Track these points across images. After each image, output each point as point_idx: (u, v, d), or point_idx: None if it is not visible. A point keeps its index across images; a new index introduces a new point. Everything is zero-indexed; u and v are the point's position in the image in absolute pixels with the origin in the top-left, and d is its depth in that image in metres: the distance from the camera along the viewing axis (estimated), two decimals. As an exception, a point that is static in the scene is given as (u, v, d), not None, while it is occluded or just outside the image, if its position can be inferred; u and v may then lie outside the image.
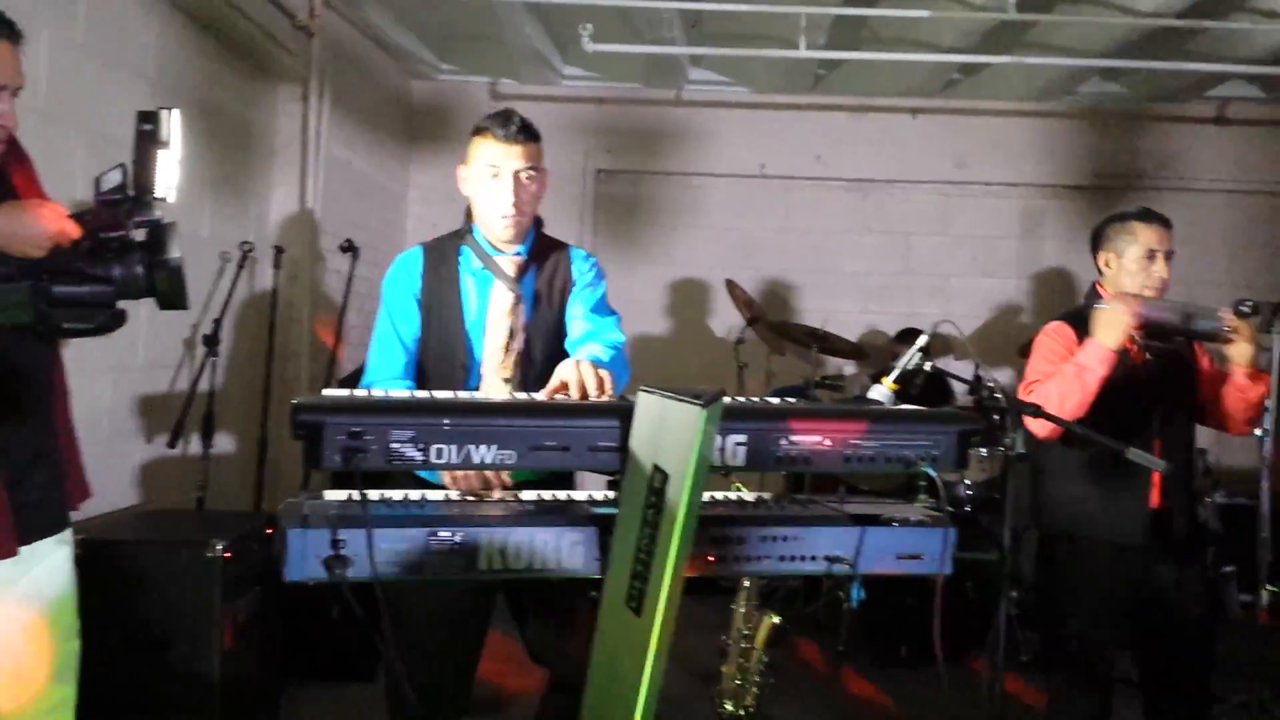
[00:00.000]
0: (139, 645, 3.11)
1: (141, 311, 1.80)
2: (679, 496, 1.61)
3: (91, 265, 1.91)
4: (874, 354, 5.95)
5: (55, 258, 1.91)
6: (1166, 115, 6.45)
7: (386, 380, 2.60)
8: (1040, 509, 3.25)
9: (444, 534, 1.80)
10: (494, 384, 2.57)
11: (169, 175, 1.93)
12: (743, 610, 3.26)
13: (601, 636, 1.88)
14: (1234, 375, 3.01)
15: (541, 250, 2.72)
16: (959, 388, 4.91)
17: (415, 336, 2.64)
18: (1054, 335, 3.15)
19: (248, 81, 4.79)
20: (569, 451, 1.82)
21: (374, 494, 1.97)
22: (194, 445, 4.21)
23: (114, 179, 1.93)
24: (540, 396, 2.12)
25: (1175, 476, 2.98)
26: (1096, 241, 3.20)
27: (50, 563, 2.25)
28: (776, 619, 3.25)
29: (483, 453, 1.75)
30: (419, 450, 1.71)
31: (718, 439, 1.79)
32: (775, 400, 2.16)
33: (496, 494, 2.27)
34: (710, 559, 1.90)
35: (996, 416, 2.55)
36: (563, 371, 2.16)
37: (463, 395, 2.33)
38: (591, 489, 2.25)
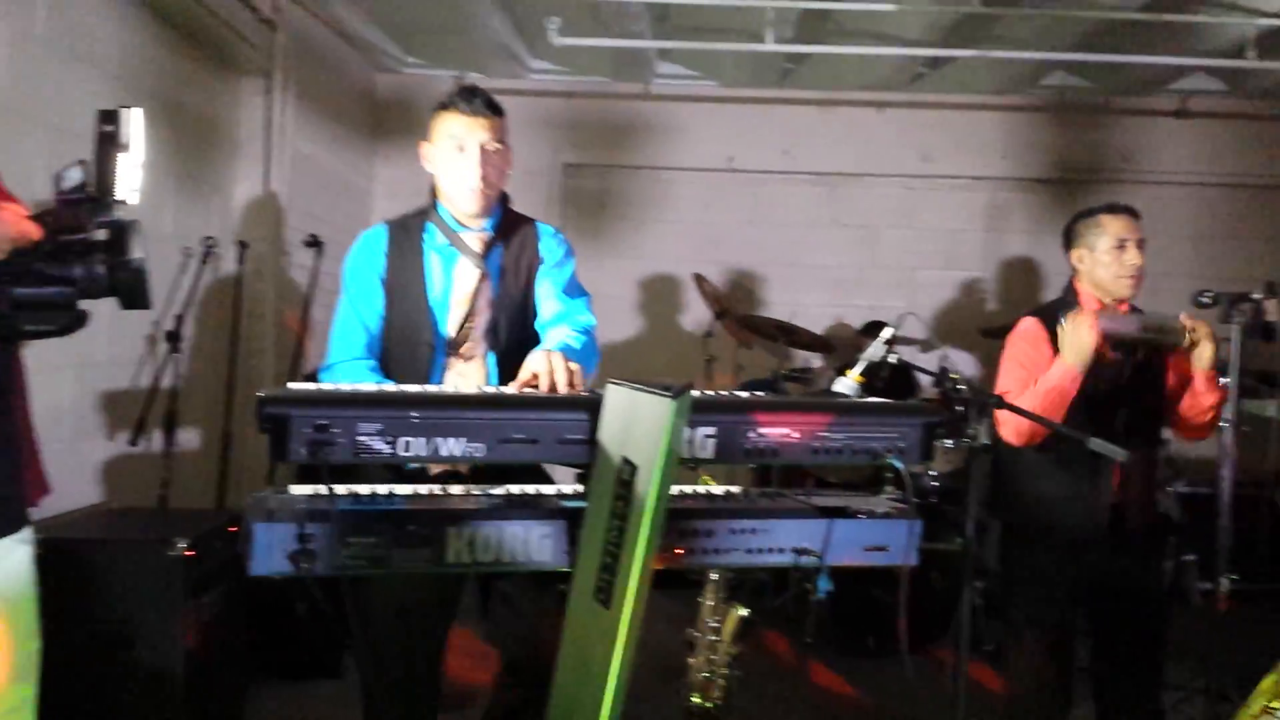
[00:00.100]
0: (101, 645, 3.07)
1: (103, 308, 1.77)
2: (648, 489, 1.62)
3: (53, 266, 1.89)
4: (841, 347, 5.97)
5: (15, 259, 1.88)
6: (1129, 109, 6.52)
7: (347, 362, 2.57)
8: (1001, 500, 3.28)
9: (411, 527, 1.79)
10: (458, 363, 2.56)
11: (130, 178, 1.90)
12: (710, 603, 3.26)
13: (570, 629, 1.88)
14: (1195, 380, 3.05)
15: (508, 226, 2.69)
16: (925, 380, 4.95)
17: (378, 317, 2.61)
18: (1026, 338, 3.18)
19: (210, 75, 4.74)
20: (538, 444, 1.82)
21: (340, 488, 1.95)
22: (156, 442, 4.16)
23: (74, 177, 1.90)
24: (510, 388, 2.11)
25: (1136, 469, 3.03)
26: (1068, 239, 3.23)
27: (10, 562, 2.21)
28: (744, 612, 3.26)
29: (451, 445, 1.75)
30: (386, 443, 1.71)
31: (686, 431, 1.80)
32: (744, 393, 2.16)
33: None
34: (678, 551, 1.91)
35: (961, 408, 2.57)
36: (533, 363, 2.16)
37: (431, 388, 2.32)
38: (562, 482, 2.24)
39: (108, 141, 1.89)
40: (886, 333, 2.60)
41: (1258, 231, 6.51)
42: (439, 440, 1.73)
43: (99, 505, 3.85)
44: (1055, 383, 2.94)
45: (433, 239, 2.64)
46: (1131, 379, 3.07)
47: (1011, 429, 3.03)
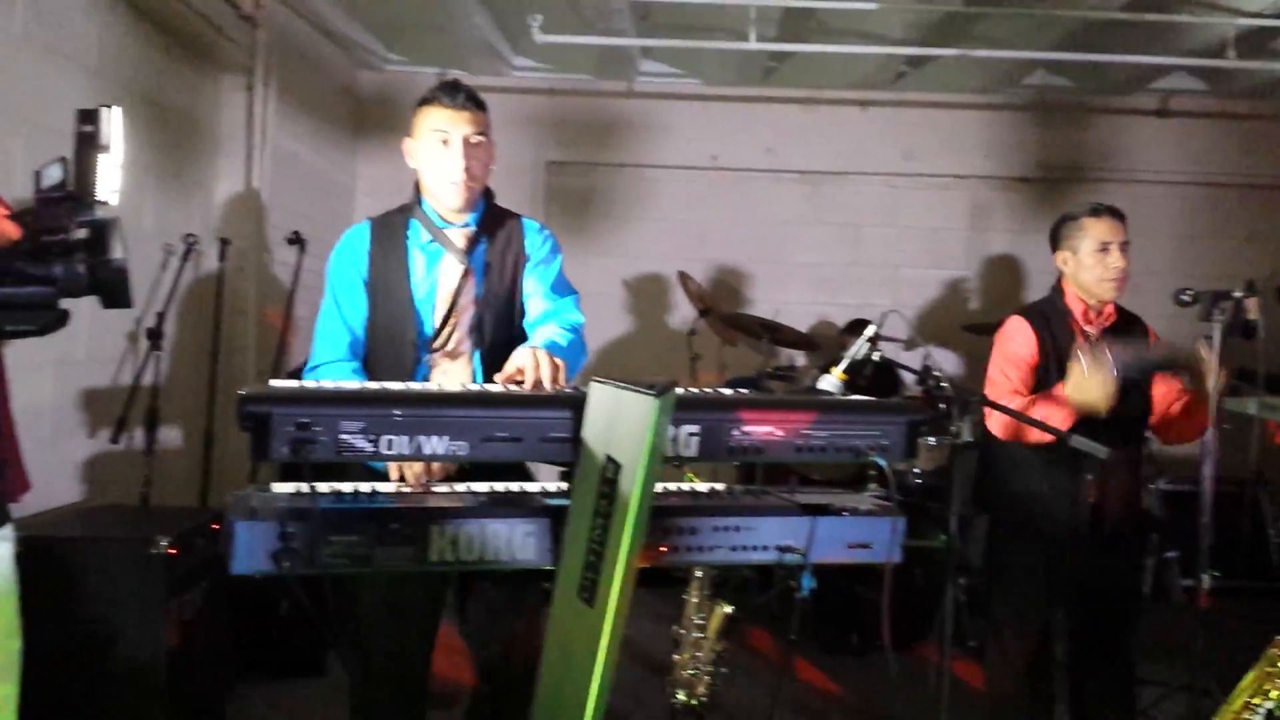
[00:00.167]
0: (82, 643, 3.06)
1: (83, 305, 1.76)
2: (632, 487, 1.61)
3: (33, 266, 1.87)
4: (825, 344, 5.99)
5: None
6: (1111, 108, 6.55)
7: (331, 362, 2.56)
8: (988, 495, 3.30)
9: (394, 526, 1.78)
10: (443, 361, 2.55)
11: (110, 179, 1.89)
12: (695, 600, 3.27)
13: (554, 627, 1.87)
14: (1195, 403, 3.04)
15: (492, 221, 2.67)
16: (908, 377, 4.97)
17: (361, 317, 2.59)
18: (1017, 336, 3.19)
19: (191, 71, 4.71)
20: (521, 442, 1.81)
21: (323, 486, 1.95)
22: (138, 440, 4.14)
23: (54, 175, 1.89)
24: (496, 381, 2.11)
25: (1120, 467, 3.04)
26: (1053, 241, 3.25)
27: (-10, 560, 2.20)
28: (729, 609, 3.27)
29: (434, 444, 1.74)
30: (369, 441, 1.70)
31: (670, 429, 1.80)
32: (727, 391, 2.17)
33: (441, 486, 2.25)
34: (662, 549, 1.91)
35: (944, 406, 2.58)
36: (518, 358, 2.15)
37: (414, 386, 2.31)
38: (546, 480, 2.24)
39: (87, 142, 1.87)
40: (870, 330, 2.60)
41: (1238, 230, 6.55)
42: (422, 438, 1.72)
43: (80, 503, 3.83)
44: (1046, 415, 2.91)
45: (416, 236, 2.62)
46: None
47: (998, 422, 3.05)
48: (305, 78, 5.60)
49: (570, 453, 1.83)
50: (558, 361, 2.15)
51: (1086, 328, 3.15)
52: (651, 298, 6.67)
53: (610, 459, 1.69)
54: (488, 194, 2.69)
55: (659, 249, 6.62)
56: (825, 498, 2.12)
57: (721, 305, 5.91)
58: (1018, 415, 2.84)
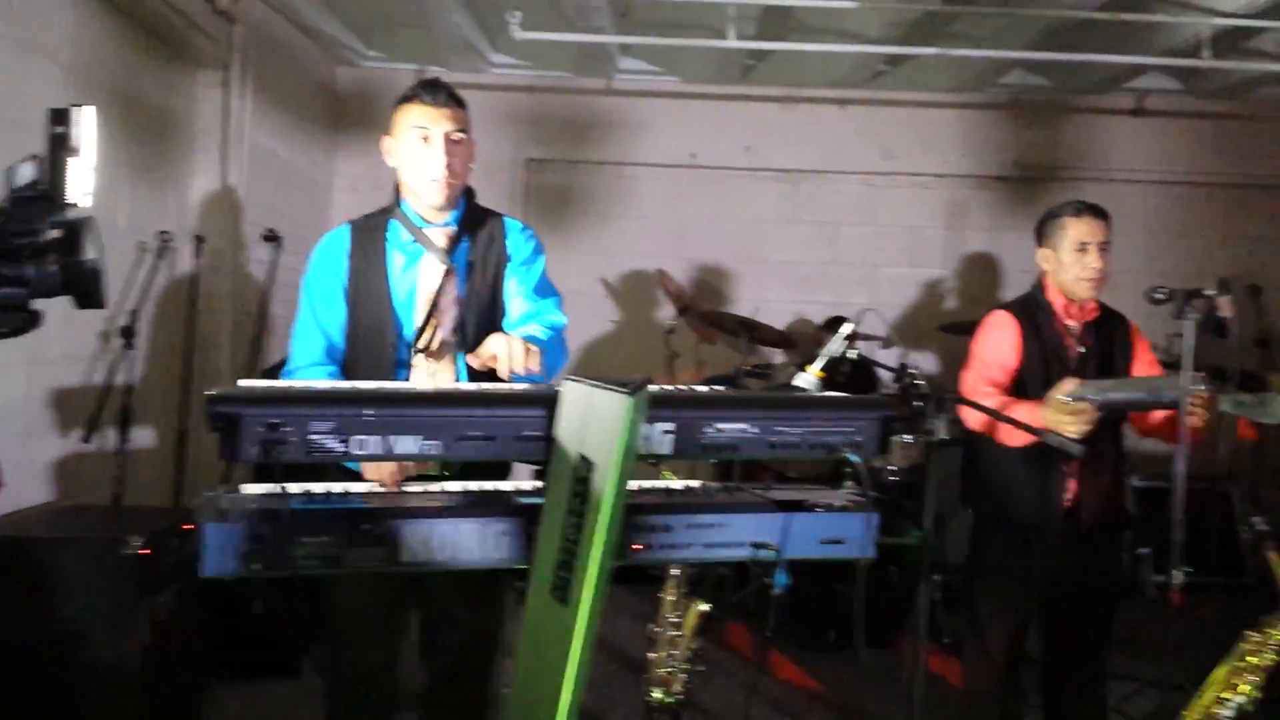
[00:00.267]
0: (54, 644, 3.03)
1: (56, 303, 1.75)
2: (605, 486, 1.61)
3: (4, 266, 1.85)
4: (802, 342, 6.00)
5: None
6: (1087, 107, 6.58)
7: (306, 366, 2.55)
8: (971, 490, 3.32)
9: (365, 526, 1.77)
10: (426, 362, 2.53)
11: (81, 182, 1.87)
12: (671, 598, 3.28)
13: (527, 627, 1.87)
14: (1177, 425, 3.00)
15: (474, 220, 2.66)
16: (885, 375, 4.98)
17: (338, 323, 2.58)
18: (1000, 327, 3.21)
19: (166, 67, 4.68)
20: (494, 441, 1.80)
21: (294, 487, 1.93)
22: (110, 440, 4.10)
23: (26, 174, 1.87)
24: (470, 360, 2.11)
25: (1101, 463, 3.06)
26: (1038, 237, 3.27)
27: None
28: (705, 606, 3.28)
29: (406, 443, 1.73)
30: (340, 442, 1.68)
31: (644, 427, 1.79)
32: (701, 388, 2.17)
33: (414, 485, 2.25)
34: (636, 547, 1.90)
35: (919, 403, 2.58)
36: (493, 344, 2.16)
37: (386, 385, 2.30)
38: (523, 479, 2.23)
39: (58, 145, 1.86)
40: (846, 328, 2.61)
41: (1212, 228, 6.60)
42: (393, 438, 1.71)
43: (52, 503, 3.80)
44: (1019, 425, 2.84)
45: (397, 237, 2.61)
46: (1097, 375, 3.10)
47: (975, 415, 3.06)
48: (282, 74, 5.56)
49: (544, 451, 1.83)
50: (531, 347, 2.16)
51: (1068, 322, 3.17)
52: (630, 296, 6.67)
53: (584, 458, 1.69)
54: (469, 193, 2.68)
55: (638, 247, 6.62)
56: (799, 494, 2.12)
57: (700, 303, 5.91)
58: (992, 413, 2.85)
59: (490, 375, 2.31)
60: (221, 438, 1.64)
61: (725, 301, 6.61)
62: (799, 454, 1.92)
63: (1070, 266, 3.12)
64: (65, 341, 3.90)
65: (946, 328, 5.81)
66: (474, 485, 2.16)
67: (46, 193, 1.85)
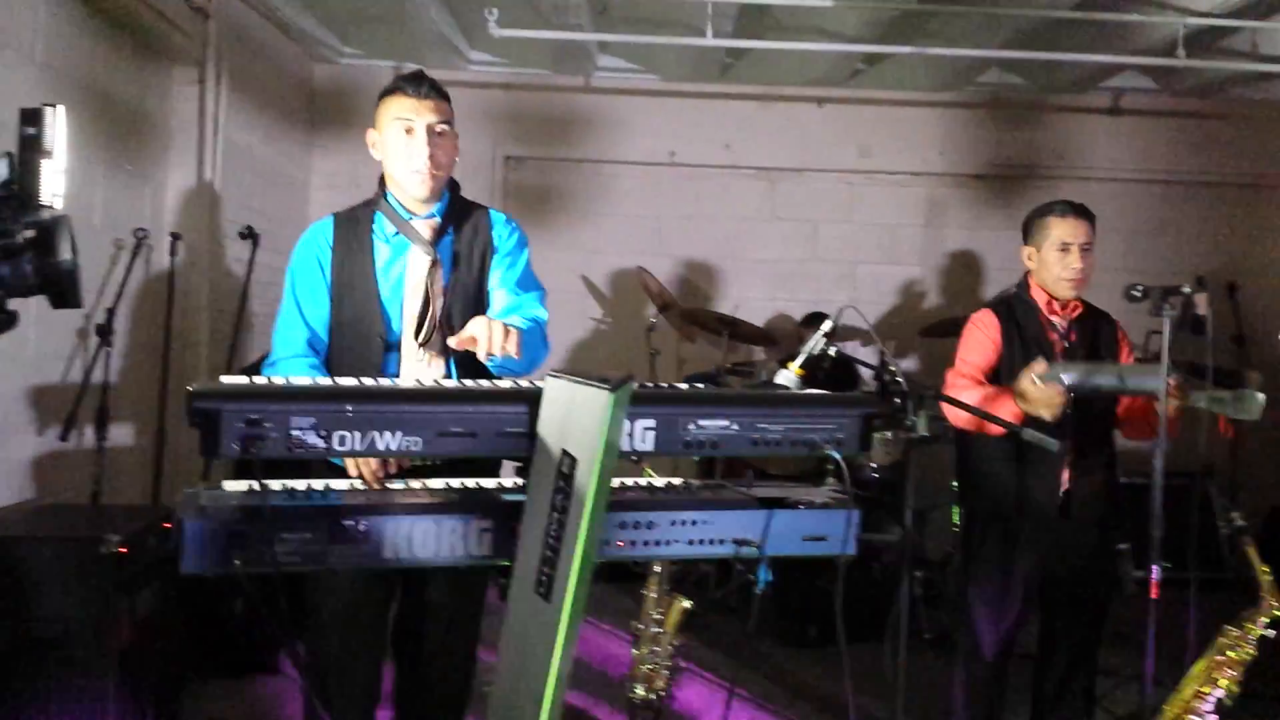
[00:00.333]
0: (32, 643, 3.00)
1: (31, 300, 1.73)
2: (588, 481, 1.61)
3: (-23, 267, 1.83)
4: (782, 339, 6.01)
5: None
6: (1063, 106, 6.62)
7: (289, 358, 2.53)
8: (964, 485, 3.33)
9: (348, 523, 1.76)
10: (413, 353, 2.52)
11: (53, 183, 1.86)
12: (654, 595, 3.28)
13: (510, 622, 1.86)
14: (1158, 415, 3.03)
15: (458, 212, 2.66)
16: (866, 372, 5.00)
17: (321, 314, 2.57)
18: (981, 326, 3.22)
19: (141, 64, 4.63)
20: (476, 438, 1.80)
21: (275, 484, 1.92)
22: (88, 438, 4.07)
23: (-1, 173, 1.85)
24: (450, 343, 2.11)
25: (1089, 459, 3.08)
26: (1024, 235, 3.29)
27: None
28: (687, 603, 3.28)
29: (387, 440, 1.72)
30: (321, 438, 1.68)
31: (626, 424, 1.79)
32: (683, 385, 2.17)
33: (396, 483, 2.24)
34: (619, 543, 1.90)
35: (900, 400, 2.59)
36: (473, 327, 2.16)
37: (367, 381, 2.29)
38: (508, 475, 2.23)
39: (30, 147, 1.84)
40: (826, 325, 2.61)
41: (1188, 226, 6.66)
42: (375, 434, 1.70)
43: (29, 502, 3.76)
44: (1000, 409, 2.92)
45: (382, 229, 2.60)
46: None
47: (955, 412, 3.07)
48: (258, 70, 5.53)
49: (527, 447, 1.82)
50: (511, 330, 2.16)
51: (1053, 318, 3.19)
52: (610, 294, 6.66)
53: (566, 453, 1.69)
54: (453, 185, 2.69)
55: (617, 245, 6.62)
56: (781, 491, 2.12)
57: (681, 301, 5.91)
58: (969, 408, 2.86)
59: (477, 366, 2.31)
60: (202, 434, 1.63)
61: (705, 299, 6.61)
62: (780, 451, 1.93)
63: (1052, 265, 3.15)
64: (42, 340, 3.86)
65: (926, 330, 5.81)
66: (455, 482, 2.16)
67: (19, 193, 1.83)
